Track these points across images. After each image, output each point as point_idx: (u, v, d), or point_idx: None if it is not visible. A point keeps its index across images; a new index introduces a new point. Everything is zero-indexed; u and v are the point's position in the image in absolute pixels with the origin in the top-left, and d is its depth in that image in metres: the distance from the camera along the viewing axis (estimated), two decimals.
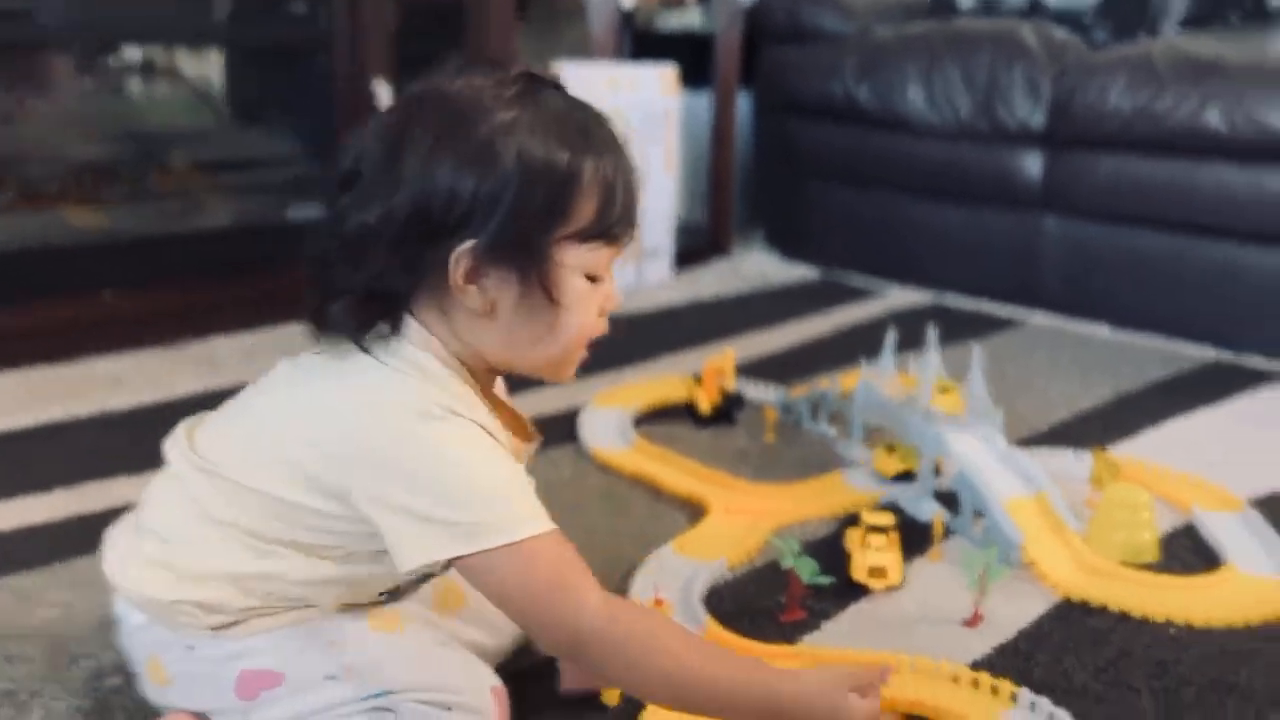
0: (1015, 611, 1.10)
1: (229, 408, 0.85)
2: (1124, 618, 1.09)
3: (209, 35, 2.14)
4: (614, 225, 0.77)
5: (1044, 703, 0.92)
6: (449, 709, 0.79)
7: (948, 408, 1.37)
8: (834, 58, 2.40)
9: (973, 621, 1.08)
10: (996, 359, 1.35)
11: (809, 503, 1.30)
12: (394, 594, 0.85)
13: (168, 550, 0.80)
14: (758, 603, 1.10)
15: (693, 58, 2.49)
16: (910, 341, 1.62)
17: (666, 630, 0.77)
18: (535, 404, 1.51)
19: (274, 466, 0.76)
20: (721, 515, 1.26)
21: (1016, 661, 1.02)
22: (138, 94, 2.16)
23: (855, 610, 1.10)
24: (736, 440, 1.52)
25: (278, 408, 0.80)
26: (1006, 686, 0.94)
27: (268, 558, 0.77)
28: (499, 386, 0.87)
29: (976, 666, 0.99)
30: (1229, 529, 1.26)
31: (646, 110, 2.28)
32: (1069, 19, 2.36)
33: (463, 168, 0.72)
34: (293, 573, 0.78)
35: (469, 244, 0.73)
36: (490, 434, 0.76)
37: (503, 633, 0.94)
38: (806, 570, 1.05)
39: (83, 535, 1.19)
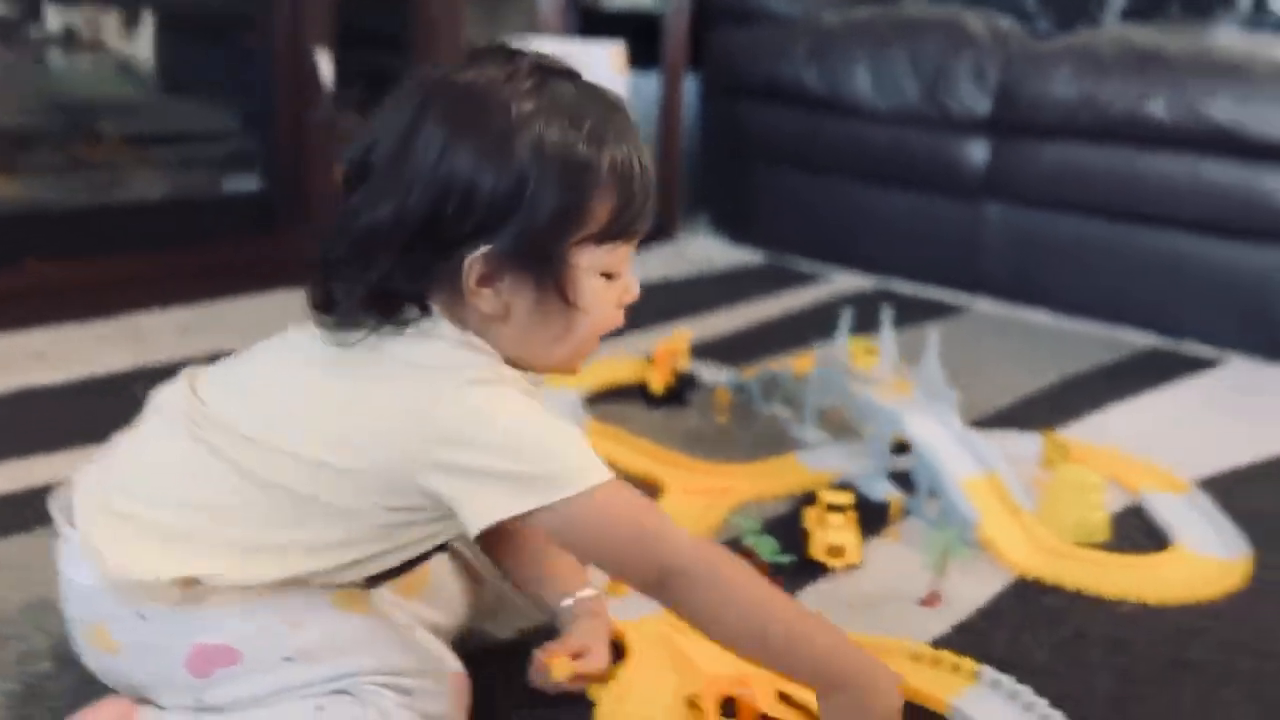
0: (972, 590, 1.10)
1: (243, 372, 0.80)
2: (1078, 596, 1.10)
3: (143, 1, 2.06)
4: (631, 223, 0.75)
5: (1006, 680, 0.92)
6: (408, 693, 0.76)
7: (868, 367, 1.39)
8: (783, 41, 2.39)
9: (931, 601, 1.07)
10: (943, 344, 1.35)
11: (765, 482, 1.29)
12: (374, 579, 0.81)
13: (182, 517, 0.74)
14: None
15: (640, 38, 2.46)
16: (857, 325, 1.62)
17: (744, 570, 0.78)
18: None
19: (320, 437, 0.73)
20: (679, 495, 1.24)
21: (975, 640, 1.01)
22: (63, 65, 2.08)
23: (814, 589, 1.09)
24: (689, 421, 1.50)
25: (319, 377, 0.75)
26: (968, 664, 0.94)
27: (303, 526, 0.74)
28: None
29: (936, 645, 0.99)
30: (1176, 510, 1.28)
31: None
32: (1013, 7, 2.38)
33: (479, 164, 0.70)
34: (325, 536, 0.74)
35: (483, 250, 0.71)
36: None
37: (457, 613, 0.92)
38: (766, 549, 1.04)
39: (6, 515, 1.13)
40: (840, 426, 1.46)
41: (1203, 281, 1.95)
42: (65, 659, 0.89)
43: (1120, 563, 1.16)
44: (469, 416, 0.71)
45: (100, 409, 1.42)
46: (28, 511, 1.11)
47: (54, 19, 2.04)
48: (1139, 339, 1.98)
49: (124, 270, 1.83)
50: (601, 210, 0.73)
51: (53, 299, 1.74)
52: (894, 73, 2.24)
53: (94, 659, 0.80)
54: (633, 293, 0.79)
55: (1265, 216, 1.88)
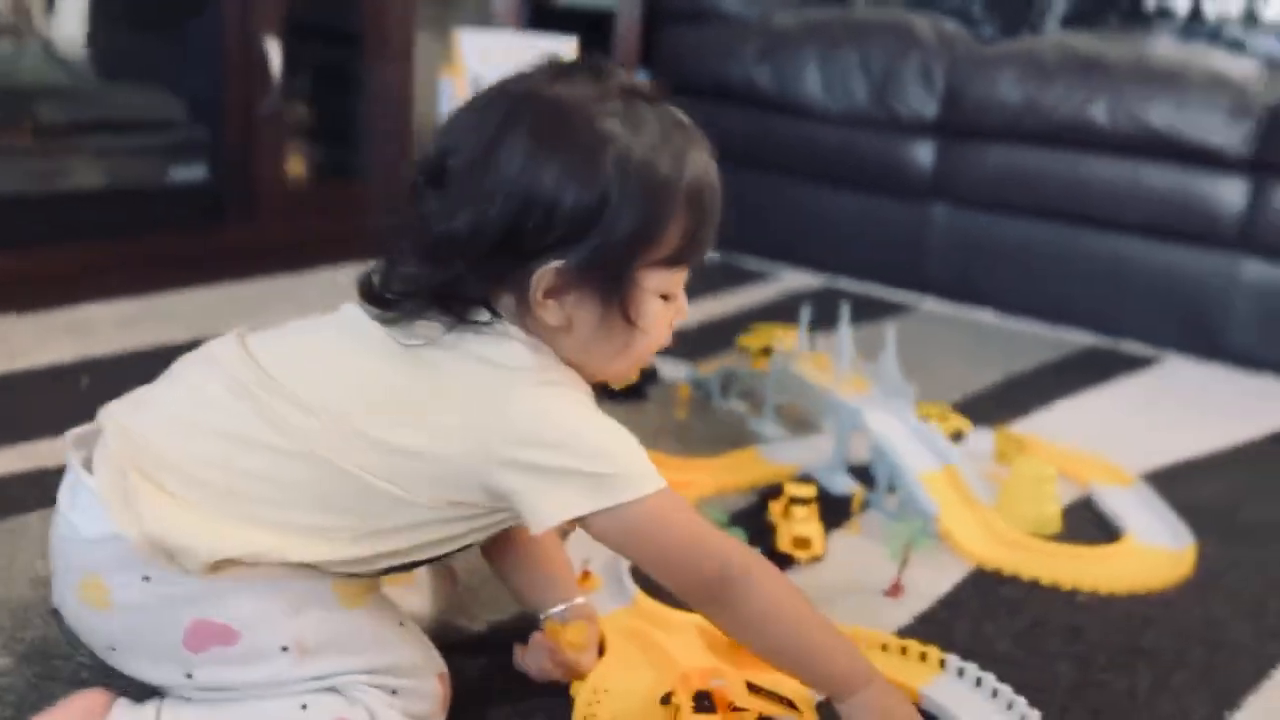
0: (932, 581, 1.12)
1: (303, 346, 0.77)
2: (1035, 586, 1.13)
3: None
4: (699, 249, 0.77)
5: (971, 668, 0.94)
6: (394, 692, 0.76)
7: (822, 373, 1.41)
8: (733, 41, 2.41)
9: (893, 591, 1.09)
10: (887, 341, 1.37)
11: (727, 476, 1.30)
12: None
13: (234, 485, 0.71)
14: None
15: (592, 35, 2.45)
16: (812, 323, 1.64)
17: (784, 576, 0.80)
18: None
19: (392, 423, 0.72)
20: None
21: (938, 630, 1.04)
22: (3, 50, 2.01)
23: None
24: (649, 416, 1.51)
25: (396, 366, 0.74)
26: (934, 653, 0.96)
27: (356, 511, 0.73)
28: None
29: (901, 634, 1.00)
30: (1124, 502, 1.32)
31: None
32: (958, 12, 2.43)
33: (563, 180, 0.71)
34: (375, 524, 0.73)
35: (556, 264, 0.72)
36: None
37: (432, 605, 0.92)
38: None
39: None
40: (798, 421, 1.48)
41: (1142, 283, 2.01)
42: (20, 655, 0.87)
43: (1074, 554, 1.19)
44: (543, 416, 0.72)
45: (43, 402, 1.39)
46: None
47: None
48: (1078, 338, 2.04)
49: (67, 261, 1.78)
50: (674, 234, 0.75)
51: None
52: (844, 75, 2.27)
53: (76, 611, 0.75)
54: (684, 314, 0.81)
55: (1200, 221, 1.94)
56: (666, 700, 0.86)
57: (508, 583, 0.93)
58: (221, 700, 0.74)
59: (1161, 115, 1.94)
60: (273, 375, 0.74)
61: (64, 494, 0.76)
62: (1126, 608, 1.10)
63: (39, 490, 1.14)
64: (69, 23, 2.07)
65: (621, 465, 0.74)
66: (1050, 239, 2.09)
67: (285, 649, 0.73)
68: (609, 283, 0.74)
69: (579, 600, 0.92)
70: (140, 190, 1.94)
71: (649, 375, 1.57)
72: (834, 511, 1.24)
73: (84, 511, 0.73)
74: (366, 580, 0.78)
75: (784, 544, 1.13)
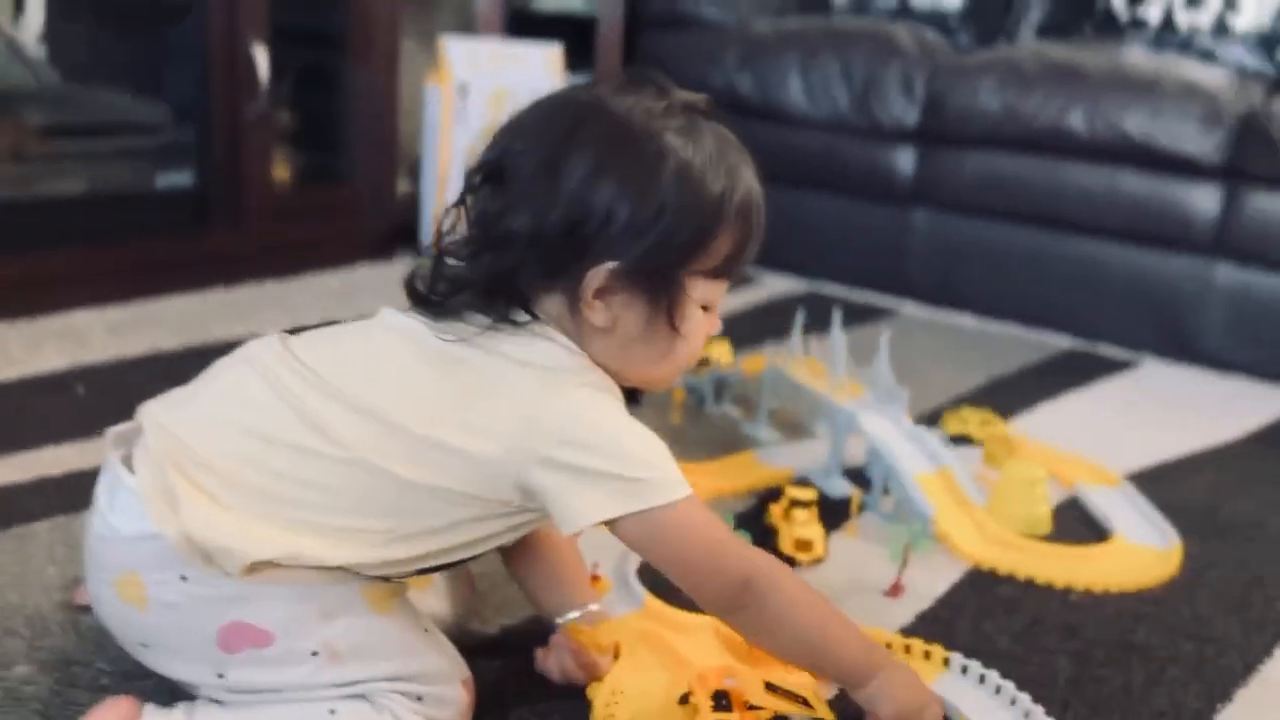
0: (930, 582, 1.15)
1: (344, 347, 0.79)
2: (1030, 585, 1.15)
3: None
4: (743, 261, 0.80)
5: (975, 666, 0.96)
6: (420, 699, 0.77)
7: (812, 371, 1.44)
8: (715, 48, 2.43)
9: (894, 592, 1.12)
10: (876, 345, 1.40)
11: (725, 480, 1.32)
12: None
13: (278, 489, 0.72)
14: None
15: (573, 41, 2.47)
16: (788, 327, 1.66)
17: (800, 579, 0.83)
18: None
19: (433, 420, 0.73)
20: None
21: (939, 629, 1.06)
22: None
23: None
24: (643, 420, 1.50)
25: (436, 366, 0.75)
26: (938, 651, 0.98)
27: (393, 512, 0.74)
28: None
29: (904, 634, 1.03)
30: (1111, 502, 1.35)
31: (531, 89, 2.19)
32: (936, 21, 2.46)
33: (624, 191, 0.74)
34: (409, 526, 0.75)
35: (610, 265, 0.74)
36: None
37: (450, 607, 0.93)
38: None
39: None
40: (791, 425, 1.50)
41: (1119, 287, 2.05)
42: (40, 662, 0.87)
43: (1066, 553, 1.22)
44: (580, 418, 0.74)
45: (40, 411, 1.38)
46: None
47: None
48: (1056, 341, 2.08)
49: (54, 267, 1.77)
50: (724, 246, 0.78)
51: None
52: (826, 82, 2.30)
53: (111, 609, 0.76)
54: (717, 327, 0.83)
55: (1175, 227, 1.99)
56: (684, 700, 0.88)
57: (524, 585, 0.94)
58: (249, 704, 0.75)
59: (1137, 123, 1.99)
60: (320, 374, 0.75)
61: (102, 492, 0.76)
62: (1119, 605, 1.13)
63: (43, 499, 1.14)
64: (52, 27, 2.06)
65: (654, 471, 0.75)
66: (1029, 244, 2.14)
67: (315, 653, 0.74)
68: (658, 287, 0.76)
69: (594, 607, 0.93)
70: (127, 195, 1.93)
71: None
72: (832, 514, 1.26)
73: (123, 511, 0.73)
74: (394, 584, 0.79)
75: (785, 546, 1.15)
